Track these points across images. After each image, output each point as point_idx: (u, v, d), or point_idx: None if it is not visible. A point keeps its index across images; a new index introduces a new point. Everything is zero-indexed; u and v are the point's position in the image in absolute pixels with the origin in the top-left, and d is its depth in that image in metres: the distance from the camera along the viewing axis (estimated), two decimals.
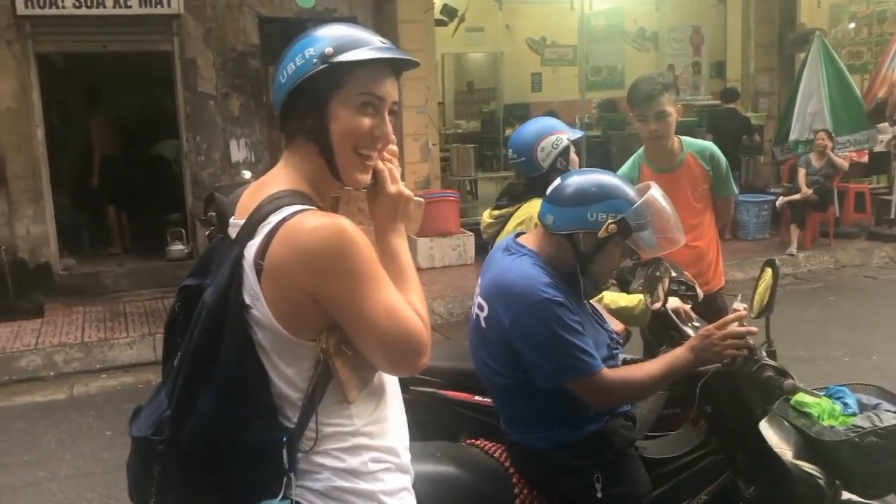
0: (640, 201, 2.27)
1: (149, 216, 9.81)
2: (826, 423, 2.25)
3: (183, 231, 9.05)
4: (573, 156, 3.36)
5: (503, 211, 3.43)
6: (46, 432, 5.30)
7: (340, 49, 1.57)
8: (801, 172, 9.53)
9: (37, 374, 6.46)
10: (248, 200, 1.62)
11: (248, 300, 1.54)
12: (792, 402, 2.34)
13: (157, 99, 11.83)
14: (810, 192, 9.33)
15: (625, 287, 3.04)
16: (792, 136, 10.29)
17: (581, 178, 2.32)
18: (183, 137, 8.92)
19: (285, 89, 1.59)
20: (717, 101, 10.63)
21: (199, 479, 1.60)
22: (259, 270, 1.52)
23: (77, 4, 7.98)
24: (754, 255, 8.63)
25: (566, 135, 3.28)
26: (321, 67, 1.56)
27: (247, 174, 8.39)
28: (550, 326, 2.17)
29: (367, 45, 1.59)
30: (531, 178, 3.29)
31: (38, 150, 8.33)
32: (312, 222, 1.51)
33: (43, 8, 7.91)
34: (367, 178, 1.65)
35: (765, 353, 2.34)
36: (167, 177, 10.41)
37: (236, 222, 1.60)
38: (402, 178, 1.72)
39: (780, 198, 9.77)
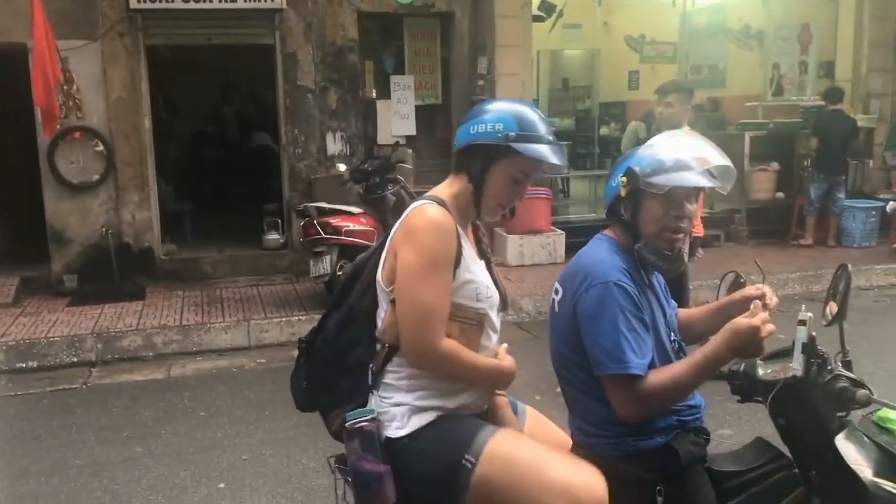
0: (654, 157, 2.25)
1: (247, 205, 10.11)
2: None
3: (279, 221, 9.30)
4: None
5: None
6: (144, 410, 5.54)
7: (521, 139, 2.17)
8: None
9: (137, 354, 6.78)
10: None
11: (380, 261, 2.27)
12: (875, 417, 2.25)
13: (257, 92, 12.16)
14: None
15: None
16: None
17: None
18: (282, 130, 9.15)
19: (469, 139, 2.22)
20: (822, 102, 10.17)
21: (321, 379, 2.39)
22: (392, 239, 2.22)
23: None
24: (860, 265, 8.17)
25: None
26: (500, 144, 2.17)
27: (341, 167, 8.55)
28: (611, 308, 2.14)
29: (540, 141, 2.19)
30: None
31: (145, 139, 8.70)
32: (426, 207, 2.17)
33: (154, 1, 8.25)
34: (496, 218, 2.33)
35: (839, 363, 2.24)
36: (265, 168, 10.71)
37: None
38: None
39: (891, 203, 9.35)
